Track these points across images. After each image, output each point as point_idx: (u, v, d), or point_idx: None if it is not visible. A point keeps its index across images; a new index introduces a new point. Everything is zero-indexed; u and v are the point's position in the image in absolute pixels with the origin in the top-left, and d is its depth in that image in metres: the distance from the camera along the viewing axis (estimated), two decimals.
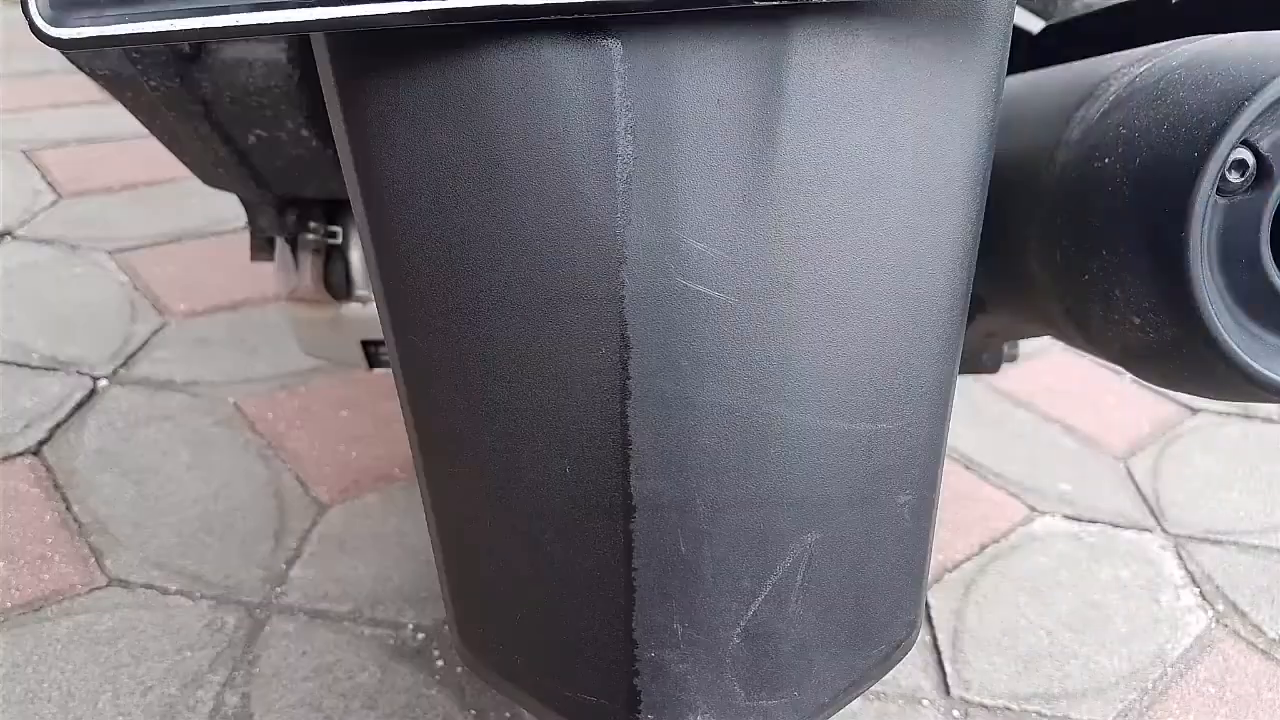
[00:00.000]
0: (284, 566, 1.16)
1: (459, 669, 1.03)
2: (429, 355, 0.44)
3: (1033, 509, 1.37)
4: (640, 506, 0.41)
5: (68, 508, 1.21)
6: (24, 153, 2.22)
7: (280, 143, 0.76)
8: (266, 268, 1.04)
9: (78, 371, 1.48)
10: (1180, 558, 1.29)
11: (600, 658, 0.44)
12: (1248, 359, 0.43)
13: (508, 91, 0.38)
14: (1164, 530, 1.34)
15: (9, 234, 1.86)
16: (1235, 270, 0.44)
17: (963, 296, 0.44)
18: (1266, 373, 0.43)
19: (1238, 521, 1.36)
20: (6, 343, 1.53)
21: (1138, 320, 0.46)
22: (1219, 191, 0.43)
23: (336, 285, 0.95)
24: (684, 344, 0.39)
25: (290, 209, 0.93)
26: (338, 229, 0.93)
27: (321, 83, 0.44)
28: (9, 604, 1.07)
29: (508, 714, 0.99)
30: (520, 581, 0.45)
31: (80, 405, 1.40)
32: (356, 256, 0.95)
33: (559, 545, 0.43)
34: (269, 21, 0.36)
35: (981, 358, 0.89)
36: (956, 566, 1.26)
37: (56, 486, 1.25)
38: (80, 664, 1.01)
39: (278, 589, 1.12)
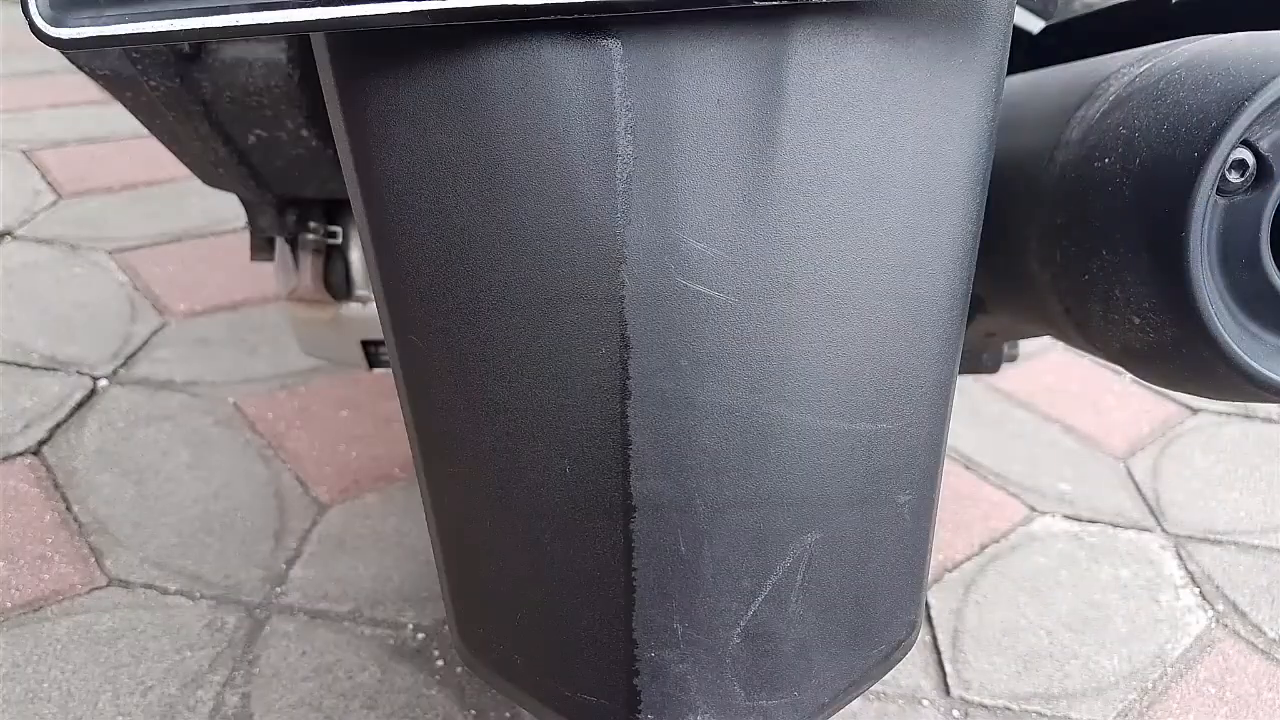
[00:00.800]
0: (284, 566, 1.16)
1: (459, 669, 1.03)
2: (429, 355, 0.44)
3: (1033, 509, 1.36)
4: (640, 506, 0.41)
5: (68, 508, 1.21)
6: (24, 153, 2.22)
7: (280, 143, 0.76)
8: (266, 268, 1.04)
9: (78, 371, 1.48)
10: (1180, 558, 1.29)
11: (600, 658, 0.44)
12: (1248, 359, 0.43)
13: (508, 91, 0.38)
14: (1164, 530, 1.34)
15: (9, 234, 1.86)
16: (1235, 270, 0.43)
17: (963, 296, 0.44)
18: (1266, 373, 0.43)
19: (1238, 521, 1.36)
20: (6, 343, 1.53)
21: (1138, 320, 0.46)
22: (1219, 191, 0.43)
23: (336, 285, 0.95)
24: (684, 344, 0.39)
25: (290, 209, 0.93)
26: (338, 229, 0.93)
27: (321, 83, 0.44)
28: (9, 604, 1.07)
29: (508, 714, 0.99)
30: (520, 581, 0.45)
31: (80, 405, 1.40)
32: (356, 256, 0.95)
33: (559, 545, 0.43)
34: (269, 21, 0.36)
35: (982, 358, 0.90)
36: (956, 566, 1.25)
37: (56, 486, 1.25)
38: (80, 664, 1.01)
39: (278, 589, 1.12)
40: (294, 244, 0.95)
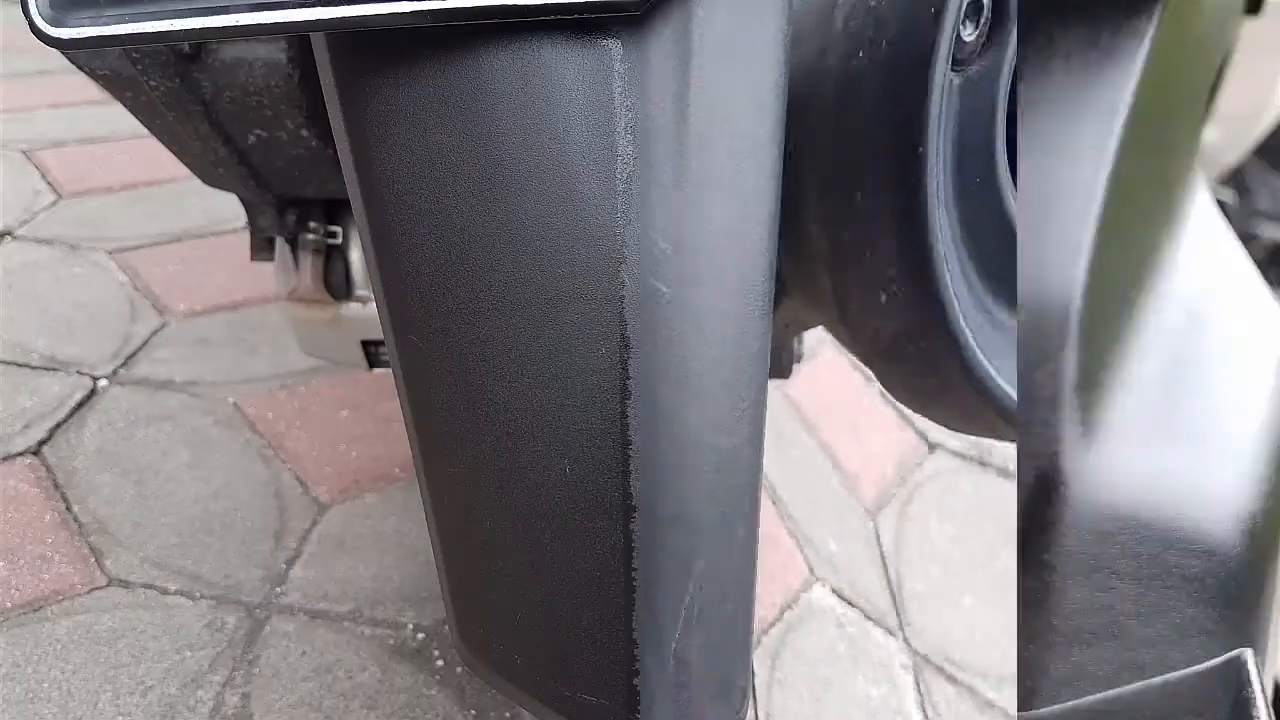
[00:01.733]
0: (284, 566, 1.16)
1: (459, 669, 1.03)
2: (429, 355, 0.44)
3: (811, 571, 1.19)
4: (640, 506, 0.41)
5: (68, 508, 1.21)
6: (24, 153, 2.22)
7: (280, 143, 0.76)
8: (266, 268, 1.04)
9: (78, 371, 1.48)
10: (919, 689, 1.03)
11: (600, 658, 0.44)
12: (978, 350, 0.35)
13: (507, 91, 0.38)
14: (905, 639, 1.08)
15: (9, 234, 1.86)
16: (970, 201, 0.34)
17: (767, 277, 0.38)
18: (995, 375, 0.36)
19: (973, 646, 1.07)
20: (6, 343, 1.53)
21: (883, 298, 0.36)
22: (954, 65, 0.33)
23: (336, 285, 0.95)
24: (665, 345, 0.40)
25: (290, 209, 0.93)
26: (338, 229, 0.93)
27: (321, 83, 0.44)
28: (9, 604, 1.07)
29: (508, 714, 0.99)
30: (520, 581, 0.45)
31: (80, 405, 1.40)
32: (356, 256, 0.95)
33: (559, 545, 0.43)
34: (269, 21, 0.36)
35: (781, 357, 0.72)
36: (767, 630, 1.10)
37: (56, 486, 1.25)
38: (80, 664, 1.01)
39: (278, 589, 1.12)
40: (294, 244, 0.95)
